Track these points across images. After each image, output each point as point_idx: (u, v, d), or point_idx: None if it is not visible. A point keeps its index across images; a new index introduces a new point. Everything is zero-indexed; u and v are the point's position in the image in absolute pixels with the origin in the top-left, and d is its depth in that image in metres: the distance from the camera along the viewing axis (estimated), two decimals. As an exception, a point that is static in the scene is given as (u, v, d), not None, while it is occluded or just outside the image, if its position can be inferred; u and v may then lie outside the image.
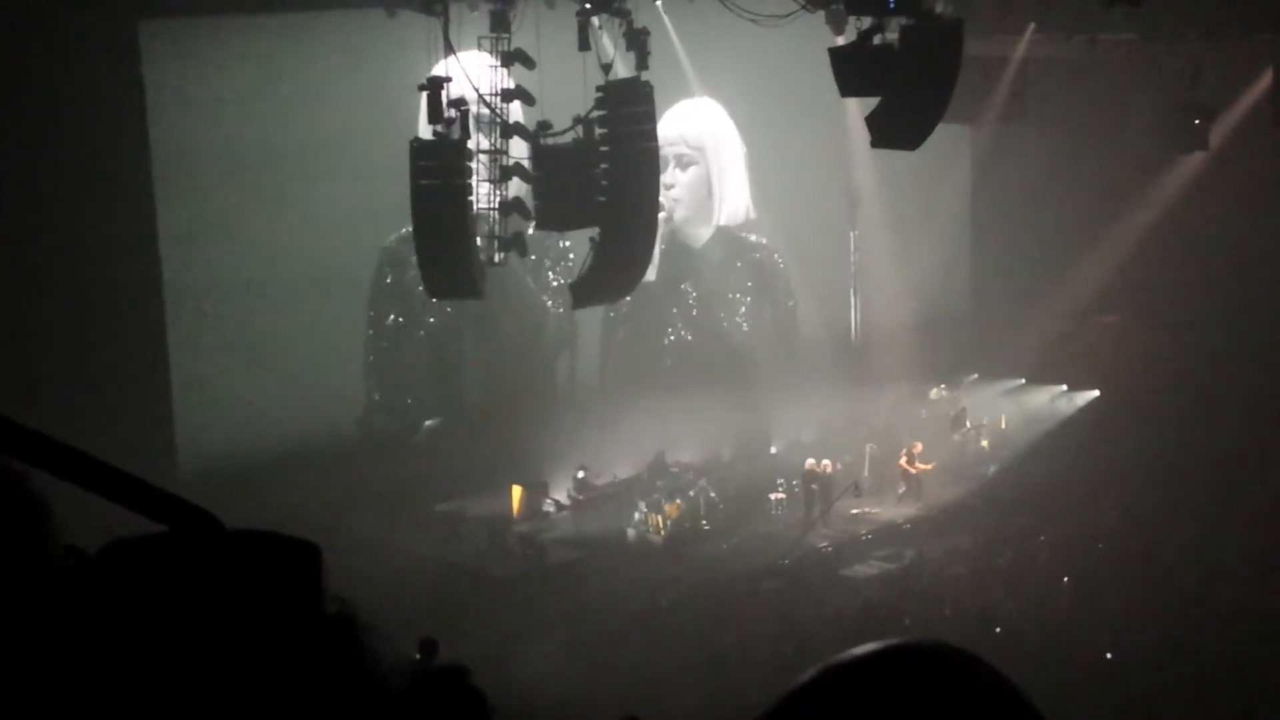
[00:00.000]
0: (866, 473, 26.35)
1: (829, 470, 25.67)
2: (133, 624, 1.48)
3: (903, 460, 26.33)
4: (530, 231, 22.33)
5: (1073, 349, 27.48)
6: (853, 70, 19.26)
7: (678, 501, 24.80)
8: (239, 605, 1.49)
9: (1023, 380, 28.41)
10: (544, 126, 21.99)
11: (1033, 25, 22.84)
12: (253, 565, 1.54)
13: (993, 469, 26.95)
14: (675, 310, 28.05)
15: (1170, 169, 25.72)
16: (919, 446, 26.52)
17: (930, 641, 1.44)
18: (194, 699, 1.46)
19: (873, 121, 19.55)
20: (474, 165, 21.87)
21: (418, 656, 12.32)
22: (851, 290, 30.06)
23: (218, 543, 1.61)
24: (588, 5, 20.97)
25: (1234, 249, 25.45)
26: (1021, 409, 28.06)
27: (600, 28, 21.17)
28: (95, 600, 1.52)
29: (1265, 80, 22.70)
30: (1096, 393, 27.60)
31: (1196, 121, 23.83)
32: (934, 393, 28.89)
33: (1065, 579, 22.01)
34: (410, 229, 21.22)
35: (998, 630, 20.07)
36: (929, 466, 26.26)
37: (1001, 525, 24.23)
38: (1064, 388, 28.13)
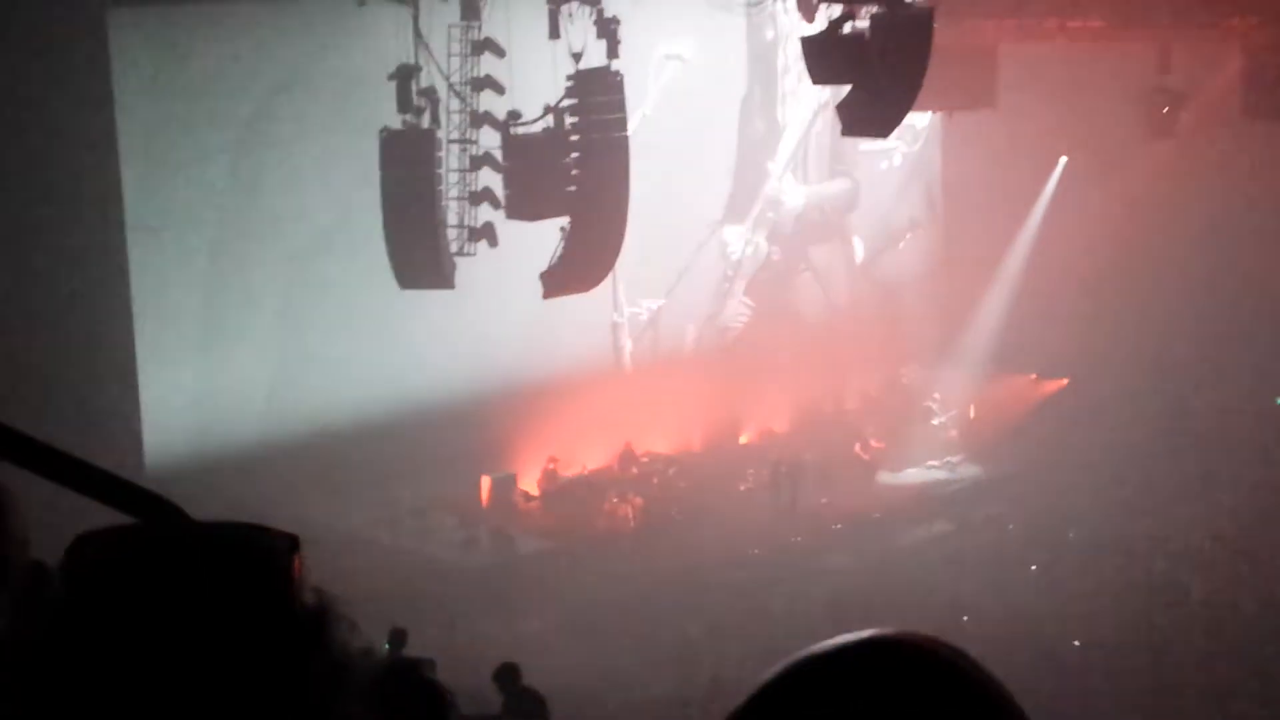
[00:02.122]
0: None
1: (799, 459, 25.75)
2: (105, 620, 1.49)
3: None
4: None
5: (1043, 335, 27.53)
6: (824, 58, 19.32)
7: (645, 492, 24.84)
8: (212, 597, 1.50)
9: (993, 368, 28.48)
10: (514, 116, 22.00)
11: (1003, 12, 22.89)
12: (228, 556, 1.55)
13: (961, 458, 27.05)
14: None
15: (1139, 154, 25.79)
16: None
17: (900, 632, 1.46)
18: (167, 691, 1.47)
19: (843, 109, 19.62)
20: (443, 155, 21.88)
21: (387, 647, 12.33)
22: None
23: (190, 534, 1.62)
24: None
25: (1203, 233, 25.55)
26: (991, 397, 28.13)
27: (571, 17, 21.16)
28: (68, 598, 1.52)
29: (1233, 66, 22.77)
30: (1066, 381, 27.71)
31: (1165, 108, 23.92)
32: (904, 378, 28.97)
33: (1033, 567, 22.12)
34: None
35: (965, 619, 20.18)
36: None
37: (971, 514, 24.33)
38: (1034, 376, 28.22)
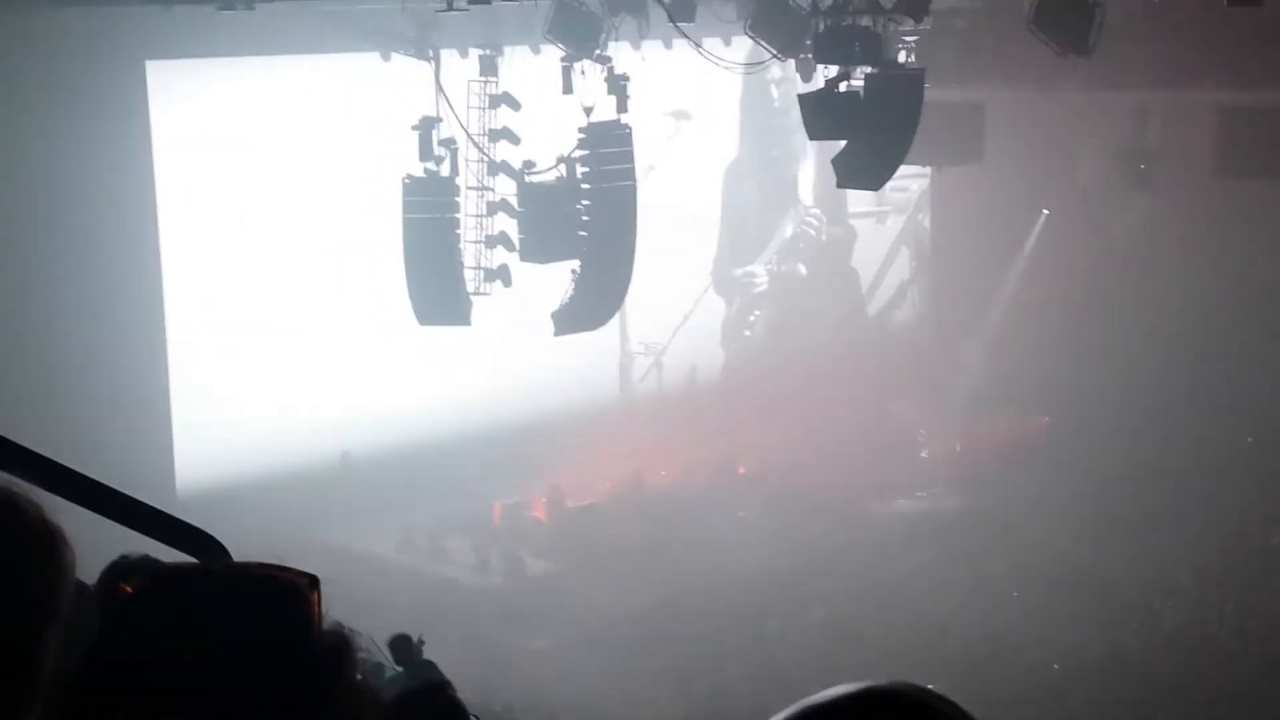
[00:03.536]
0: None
1: (795, 488, 25.77)
2: (139, 658, 1.49)
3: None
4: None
5: (1026, 376, 27.51)
6: (820, 115, 19.37)
7: (649, 519, 24.78)
8: (239, 634, 1.51)
9: (978, 405, 28.42)
10: (529, 165, 22.12)
11: (989, 75, 22.94)
12: (253, 595, 1.56)
13: (947, 490, 26.98)
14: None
15: (1117, 209, 25.81)
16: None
17: (894, 684, 1.44)
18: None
19: (838, 163, 19.68)
20: (462, 200, 21.99)
21: (390, 654, 12.19)
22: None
23: (219, 574, 1.62)
24: (571, 52, 21.08)
25: (1177, 283, 25.56)
26: (976, 433, 28.08)
27: (583, 73, 21.25)
28: (105, 636, 1.52)
29: (1206, 128, 22.79)
30: (1047, 419, 27.66)
31: (1142, 166, 23.94)
32: (894, 414, 28.91)
33: (1015, 594, 22.03)
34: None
35: (951, 642, 20.13)
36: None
37: (956, 542, 24.23)
38: (1017, 413, 28.15)
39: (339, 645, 1.58)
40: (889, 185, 29.59)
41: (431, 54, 21.82)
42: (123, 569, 1.57)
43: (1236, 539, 22.59)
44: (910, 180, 29.77)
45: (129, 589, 1.56)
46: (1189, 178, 23.51)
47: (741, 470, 27.44)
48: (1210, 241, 24.91)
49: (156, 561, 1.66)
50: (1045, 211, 27.81)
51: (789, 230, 29.74)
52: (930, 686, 1.45)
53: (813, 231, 29.70)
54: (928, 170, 28.92)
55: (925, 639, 19.97)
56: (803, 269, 29.84)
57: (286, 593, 1.58)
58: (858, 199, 29.96)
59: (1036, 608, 21.43)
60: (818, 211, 29.79)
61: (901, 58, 20.30)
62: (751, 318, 29.56)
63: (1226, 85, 21.77)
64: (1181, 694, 18.67)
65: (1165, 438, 24.90)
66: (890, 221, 30.57)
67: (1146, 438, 25.03)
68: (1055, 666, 19.65)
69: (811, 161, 29.17)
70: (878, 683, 1.44)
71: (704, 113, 27.14)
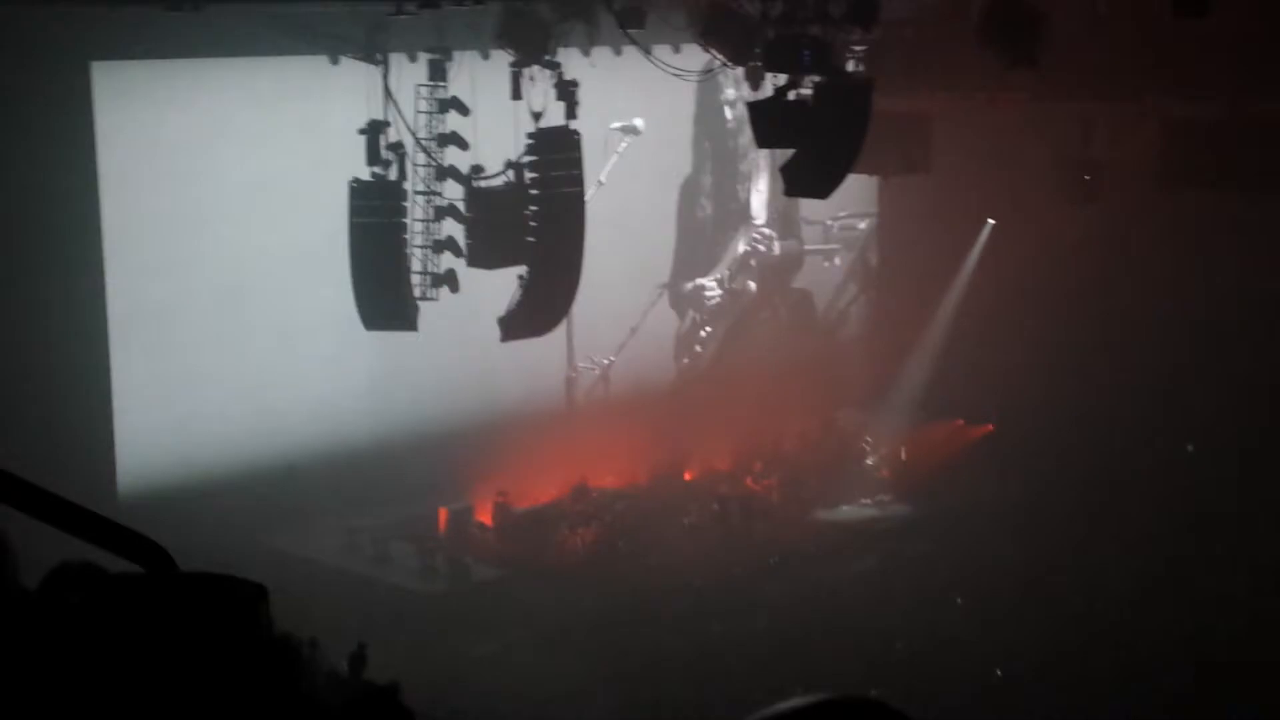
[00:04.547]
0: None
1: (746, 494, 25.85)
2: (90, 666, 1.48)
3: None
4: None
5: (970, 384, 27.64)
6: (769, 123, 19.44)
7: (594, 525, 24.78)
8: (188, 643, 1.50)
9: (923, 413, 28.57)
10: (477, 170, 22.08)
11: (937, 84, 23.06)
12: (203, 605, 1.55)
13: (891, 497, 27.13)
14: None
15: (1062, 218, 25.97)
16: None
17: (846, 696, 1.45)
18: None
19: (787, 171, 19.76)
20: (409, 205, 21.94)
21: (346, 668, 12.21)
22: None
23: (168, 583, 1.61)
24: (520, 58, 21.09)
25: (1118, 293, 25.77)
26: (921, 440, 28.22)
27: (532, 79, 21.25)
28: (54, 641, 1.51)
29: (1151, 138, 22.97)
30: (990, 427, 27.82)
31: (1086, 177, 24.11)
32: (840, 422, 29.03)
33: (959, 600, 22.17)
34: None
35: (898, 646, 20.23)
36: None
37: (901, 549, 24.37)
38: (961, 421, 28.32)
39: (287, 652, 1.58)
40: (837, 224, 30.14)
41: (380, 58, 21.73)
42: (65, 576, 1.55)
43: (1178, 546, 22.79)
44: (858, 219, 30.08)
45: (78, 593, 1.55)
46: (1133, 188, 23.71)
47: (688, 477, 27.48)
48: (1153, 251, 25.14)
49: (99, 569, 1.65)
50: (991, 221, 27.98)
51: (741, 247, 29.76)
52: (874, 693, 1.46)
53: (763, 249, 29.69)
54: (875, 211, 29.44)
55: (870, 646, 20.06)
56: (753, 285, 29.86)
57: (234, 603, 1.58)
58: (808, 234, 30.21)
59: (980, 613, 21.57)
60: (768, 230, 29.79)
61: (850, 67, 20.40)
62: (703, 333, 29.57)
63: (1171, 96, 21.97)
64: (1123, 698, 18.84)
65: (1107, 445, 25.11)
66: (838, 260, 30.78)
67: (1088, 445, 25.24)
68: (998, 672, 19.79)
69: (765, 182, 29.26)
70: (827, 695, 1.45)
71: (654, 126, 27.12)
